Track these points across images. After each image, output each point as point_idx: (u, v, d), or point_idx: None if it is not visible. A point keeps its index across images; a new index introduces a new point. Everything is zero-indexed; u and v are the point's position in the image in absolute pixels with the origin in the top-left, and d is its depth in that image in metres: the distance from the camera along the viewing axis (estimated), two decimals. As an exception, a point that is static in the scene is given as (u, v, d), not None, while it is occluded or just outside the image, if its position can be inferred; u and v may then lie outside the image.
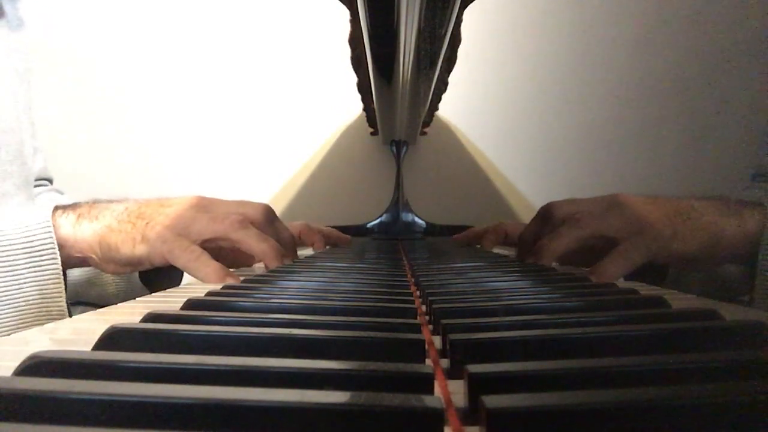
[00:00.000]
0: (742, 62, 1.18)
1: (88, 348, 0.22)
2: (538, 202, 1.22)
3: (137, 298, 0.39)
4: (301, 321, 0.26)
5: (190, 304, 0.30)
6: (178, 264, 0.49)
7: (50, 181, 0.84)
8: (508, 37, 1.28)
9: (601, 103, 1.26)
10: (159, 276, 0.66)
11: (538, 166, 1.27)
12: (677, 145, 1.23)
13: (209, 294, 0.35)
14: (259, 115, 1.27)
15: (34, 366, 0.18)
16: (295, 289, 0.40)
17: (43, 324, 0.45)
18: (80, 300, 0.64)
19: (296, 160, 1.28)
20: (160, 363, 0.18)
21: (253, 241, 0.50)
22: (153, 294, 0.43)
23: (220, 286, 0.39)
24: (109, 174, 1.20)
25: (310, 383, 0.17)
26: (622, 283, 0.42)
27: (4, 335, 0.44)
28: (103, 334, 0.22)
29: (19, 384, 0.16)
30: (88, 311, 0.35)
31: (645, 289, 0.39)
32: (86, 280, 0.64)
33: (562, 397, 0.15)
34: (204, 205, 0.51)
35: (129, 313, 0.33)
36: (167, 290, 0.45)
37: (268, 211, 0.55)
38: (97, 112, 1.26)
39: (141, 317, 0.26)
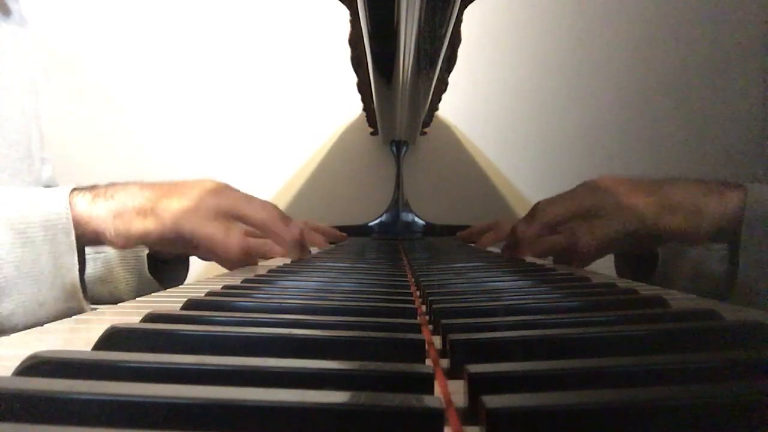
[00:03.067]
0: (742, 62, 1.18)
1: (88, 348, 0.22)
2: (537, 202, 1.23)
3: (137, 298, 0.39)
4: (301, 321, 0.26)
5: (190, 304, 0.30)
6: (187, 228, 0.52)
7: None
8: (508, 37, 1.28)
9: (602, 103, 1.26)
10: (167, 268, 0.69)
11: (538, 166, 1.27)
12: (678, 145, 1.23)
13: (209, 294, 0.35)
14: (260, 115, 1.27)
15: (34, 366, 0.18)
16: (295, 289, 0.40)
17: (58, 294, 0.49)
18: (93, 298, 0.64)
19: (296, 160, 1.28)
20: (160, 363, 0.18)
21: (257, 209, 0.54)
22: (153, 294, 0.43)
23: (221, 286, 0.39)
24: (109, 175, 1.20)
25: (310, 383, 0.17)
26: (622, 283, 0.42)
27: (22, 304, 0.47)
28: (103, 334, 0.22)
29: (19, 384, 0.16)
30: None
31: (645, 289, 0.39)
32: (98, 278, 0.65)
33: (562, 397, 0.15)
34: (217, 190, 0.56)
35: (129, 313, 0.33)
36: (167, 290, 0.45)
37: (276, 208, 0.59)
38: (96, 113, 1.26)
39: (141, 317, 0.26)
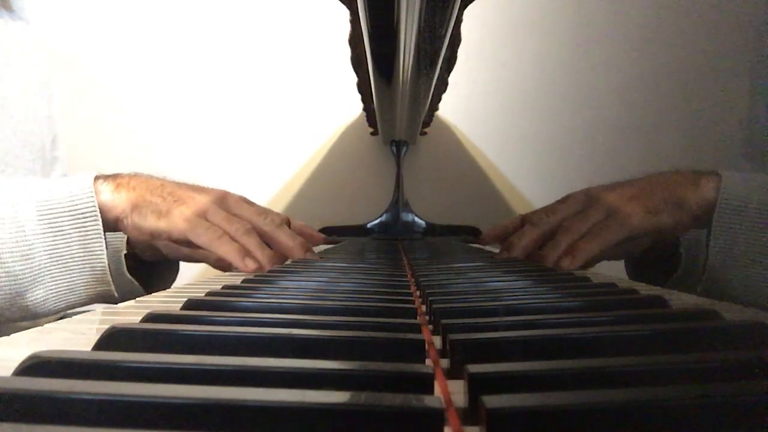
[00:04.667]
0: (741, 61, 1.18)
1: (88, 348, 0.22)
2: (538, 202, 1.23)
3: (137, 298, 0.39)
4: (301, 321, 0.26)
5: (190, 304, 0.30)
6: (200, 241, 0.54)
7: None
8: (508, 37, 1.28)
9: (602, 103, 1.26)
10: (153, 276, 0.68)
11: (538, 166, 1.27)
12: (677, 144, 1.23)
13: (209, 294, 0.35)
14: (260, 115, 1.27)
15: (34, 366, 0.18)
16: (295, 289, 0.40)
17: (88, 279, 0.52)
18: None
19: (296, 160, 1.28)
20: (160, 363, 0.18)
21: (252, 248, 0.55)
22: (153, 294, 0.43)
23: (221, 286, 0.39)
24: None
25: (310, 383, 0.17)
26: (622, 283, 0.42)
27: (54, 290, 0.50)
28: (103, 334, 0.22)
29: (19, 384, 0.16)
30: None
31: (645, 289, 0.39)
32: None
33: (562, 397, 0.15)
34: (226, 204, 0.58)
35: (129, 313, 0.33)
36: (167, 290, 0.45)
37: (276, 218, 0.60)
38: (97, 113, 1.26)
39: (141, 317, 0.26)
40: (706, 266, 0.51)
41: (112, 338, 0.22)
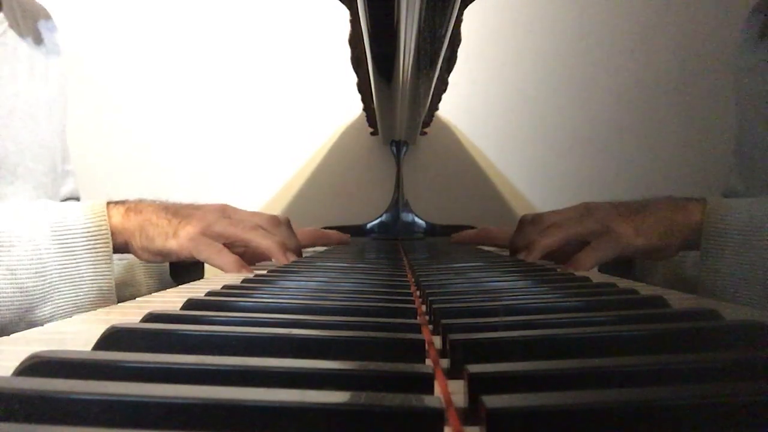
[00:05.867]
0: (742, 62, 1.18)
1: (88, 348, 0.22)
2: (538, 202, 1.23)
3: (137, 298, 0.39)
4: (301, 321, 0.26)
5: (190, 304, 0.30)
6: (202, 257, 0.58)
7: (78, 200, 0.87)
8: (508, 37, 1.28)
9: (601, 103, 1.26)
10: (187, 273, 0.74)
11: (538, 166, 1.27)
12: (677, 145, 1.23)
13: (209, 294, 0.35)
14: (260, 115, 1.27)
15: (34, 366, 0.18)
16: (295, 289, 0.40)
17: (94, 298, 0.54)
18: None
19: (296, 160, 1.28)
20: (160, 363, 0.18)
21: (259, 239, 0.59)
22: (153, 294, 0.43)
23: (221, 286, 0.39)
24: (108, 175, 1.20)
25: (310, 383, 0.17)
26: (621, 283, 0.42)
27: (61, 307, 0.51)
28: (103, 334, 0.22)
29: (19, 384, 0.16)
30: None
31: (645, 289, 0.39)
32: (120, 282, 0.68)
33: (562, 397, 0.15)
34: (227, 213, 0.62)
35: (129, 313, 0.33)
36: (167, 290, 0.45)
37: (274, 218, 0.65)
38: (94, 113, 1.26)
39: (141, 317, 0.26)
40: (699, 286, 0.54)
41: (112, 338, 0.22)
